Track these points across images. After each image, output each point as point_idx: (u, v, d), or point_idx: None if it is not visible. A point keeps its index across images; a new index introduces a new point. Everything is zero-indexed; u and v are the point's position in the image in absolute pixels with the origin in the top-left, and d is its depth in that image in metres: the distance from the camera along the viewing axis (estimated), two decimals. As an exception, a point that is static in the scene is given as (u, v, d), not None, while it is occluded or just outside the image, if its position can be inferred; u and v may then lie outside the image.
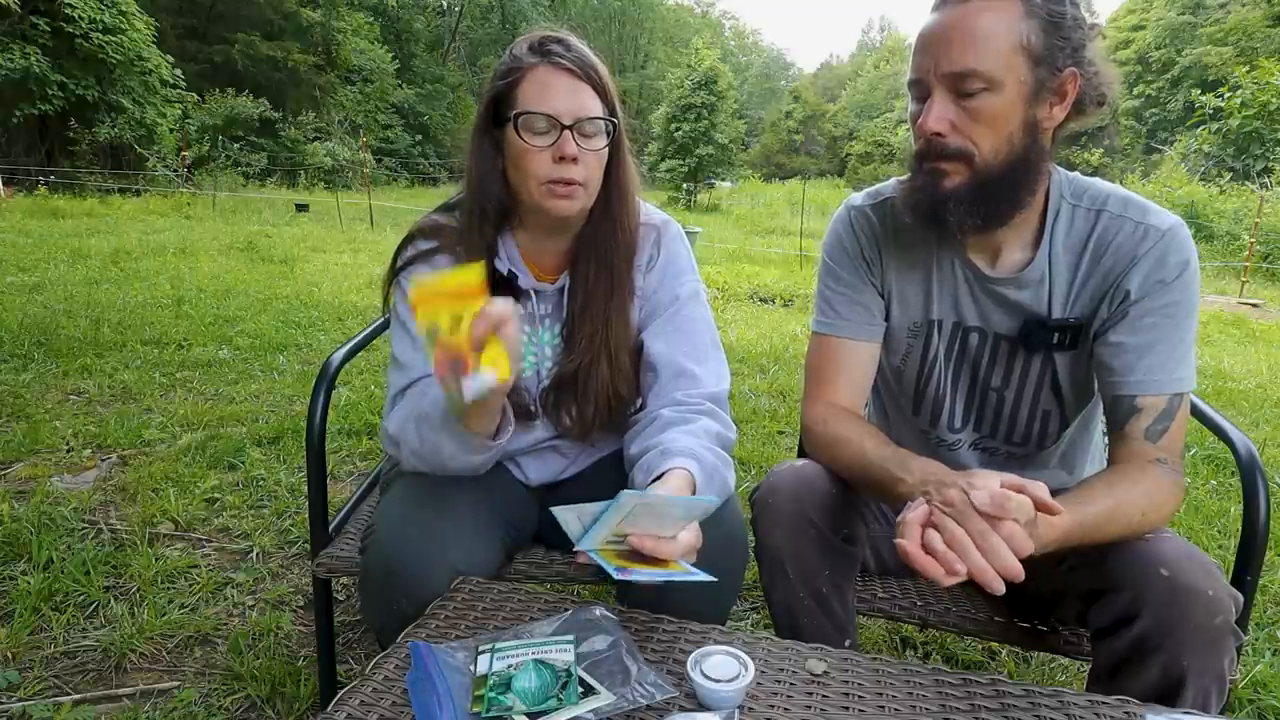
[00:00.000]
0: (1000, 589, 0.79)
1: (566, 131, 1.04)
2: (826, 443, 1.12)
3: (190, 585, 1.88)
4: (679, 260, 1.21)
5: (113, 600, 1.78)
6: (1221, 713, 0.88)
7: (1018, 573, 0.79)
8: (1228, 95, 16.78)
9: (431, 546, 1.01)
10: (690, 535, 0.89)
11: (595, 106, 1.07)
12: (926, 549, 0.82)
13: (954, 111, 0.95)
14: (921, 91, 0.98)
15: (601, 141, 1.08)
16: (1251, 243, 11.08)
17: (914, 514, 0.85)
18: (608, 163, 1.11)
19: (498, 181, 1.11)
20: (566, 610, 0.94)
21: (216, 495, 2.37)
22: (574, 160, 1.05)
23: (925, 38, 0.97)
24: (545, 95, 1.04)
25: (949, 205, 0.99)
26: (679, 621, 0.94)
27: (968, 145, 0.96)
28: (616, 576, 0.83)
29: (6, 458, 2.58)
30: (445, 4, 39.28)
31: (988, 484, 0.83)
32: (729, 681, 0.78)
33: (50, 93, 15.77)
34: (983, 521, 0.81)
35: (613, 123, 1.08)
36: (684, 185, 22.96)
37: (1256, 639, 1.79)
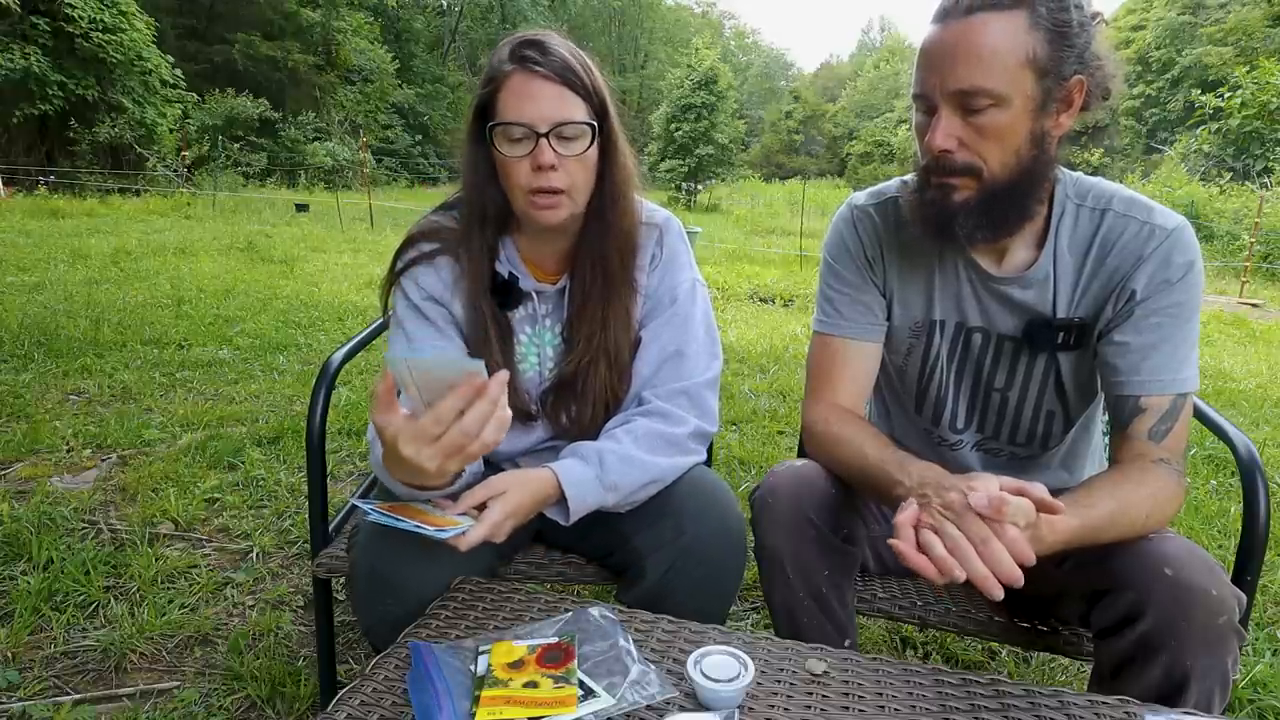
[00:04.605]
0: (999, 595, 0.79)
1: (543, 140, 1.02)
2: (827, 443, 1.12)
3: (190, 585, 1.88)
4: (679, 257, 1.21)
5: (113, 600, 1.78)
6: (1223, 713, 0.88)
7: (1017, 578, 0.79)
8: (1228, 95, 16.75)
9: (418, 549, 1.01)
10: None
11: (574, 110, 1.04)
12: (925, 552, 0.82)
13: (961, 128, 0.94)
14: (927, 106, 0.97)
15: (583, 145, 1.06)
16: (1251, 243, 11.09)
17: (904, 515, 0.85)
18: (601, 164, 1.09)
19: (492, 186, 1.11)
20: (566, 610, 0.94)
21: (216, 495, 2.37)
22: (552, 168, 1.03)
23: (929, 53, 0.95)
24: (520, 104, 1.02)
25: (958, 219, 0.99)
26: (679, 621, 0.94)
27: (975, 161, 0.96)
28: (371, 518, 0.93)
29: (6, 458, 2.58)
30: (445, 4, 39.28)
31: (986, 487, 0.83)
32: (729, 681, 0.78)
33: (50, 93, 15.79)
34: (984, 527, 0.81)
35: (592, 125, 1.06)
36: (683, 185, 23.00)
37: (1256, 639, 1.79)
